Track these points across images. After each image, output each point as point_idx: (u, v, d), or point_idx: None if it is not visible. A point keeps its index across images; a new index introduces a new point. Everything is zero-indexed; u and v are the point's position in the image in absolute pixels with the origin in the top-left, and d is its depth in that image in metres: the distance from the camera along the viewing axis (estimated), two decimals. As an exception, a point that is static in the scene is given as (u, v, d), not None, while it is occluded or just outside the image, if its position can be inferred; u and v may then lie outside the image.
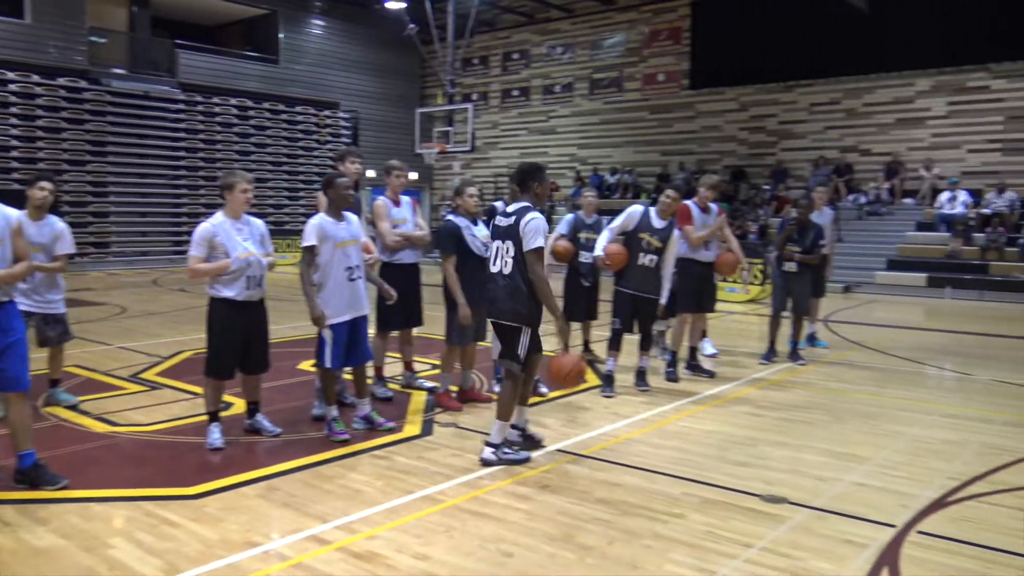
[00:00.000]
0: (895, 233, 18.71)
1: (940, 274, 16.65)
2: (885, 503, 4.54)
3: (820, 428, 6.18)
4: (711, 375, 8.02)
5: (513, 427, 5.44)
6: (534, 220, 5.09)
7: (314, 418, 6.21)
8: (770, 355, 8.91)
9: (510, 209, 5.28)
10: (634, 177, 24.30)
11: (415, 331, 7.32)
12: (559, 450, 5.51)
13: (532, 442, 5.56)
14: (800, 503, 4.54)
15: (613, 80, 25.68)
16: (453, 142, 22.43)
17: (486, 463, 5.14)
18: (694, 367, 8.11)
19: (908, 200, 19.78)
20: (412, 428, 6.03)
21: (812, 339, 9.85)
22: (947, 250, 17.29)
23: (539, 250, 5.09)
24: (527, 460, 5.21)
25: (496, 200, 7.21)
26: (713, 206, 8.01)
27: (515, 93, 28.18)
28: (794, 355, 8.84)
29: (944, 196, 18.31)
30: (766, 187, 21.28)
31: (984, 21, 18.81)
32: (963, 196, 18.02)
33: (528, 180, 5.33)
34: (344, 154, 6.56)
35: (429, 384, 7.19)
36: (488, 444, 5.22)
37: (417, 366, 7.66)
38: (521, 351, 5.22)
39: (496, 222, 5.37)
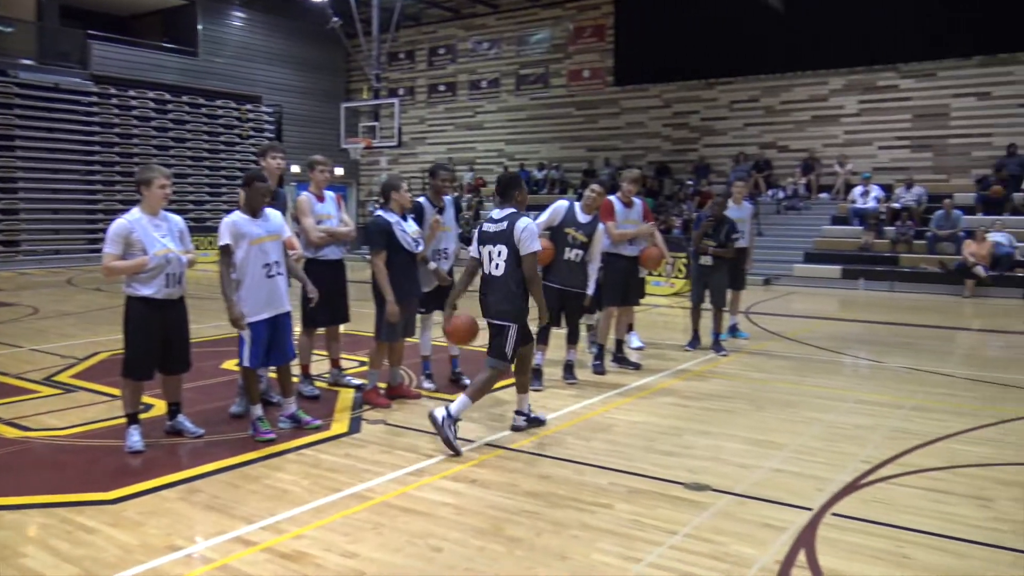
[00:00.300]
0: (812, 227, 19.35)
1: (854, 266, 17.30)
2: (802, 487, 4.71)
3: (741, 417, 6.36)
4: (637, 367, 8.17)
5: (518, 413, 5.96)
6: (529, 226, 5.60)
7: (232, 415, 6.10)
8: (694, 343, 9.23)
9: (498, 216, 5.72)
10: (561, 173, 24.50)
11: (343, 328, 7.25)
12: (488, 444, 5.54)
13: (538, 423, 6.01)
14: (723, 490, 4.66)
15: (539, 76, 25.84)
16: (379, 137, 22.24)
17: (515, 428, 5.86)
18: (620, 360, 8.25)
19: (824, 195, 20.48)
20: (340, 426, 5.97)
21: (734, 330, 10.12)
22: (860, 243, 17.97)
23: (536, 253, 5.61)
24: (459, 454, 5.33)
25: (420, 196, 7.17)
26: (637, 200, 8.15)
27: (442, 88, 28.09)
28: (716, 346, 9.08)
29: (857, 191, 19.03)
30: (689, 182, 21.73)
31: (893, 23, 19.59)
32: (875, 191, 18.76)
33: (510, 189, 5.81)
34: (267, 149, 6.44)
35: (357, 381, 7.12)
36: (516, 412, 5.93)
37: (345, 363, 7.59)
38: (508, 349, 5.67)
39: (484, 228, 5.77)
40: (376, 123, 22.50)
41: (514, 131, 26.56)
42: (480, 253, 5.78)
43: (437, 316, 7.29)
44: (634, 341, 9.27)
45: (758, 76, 21.94)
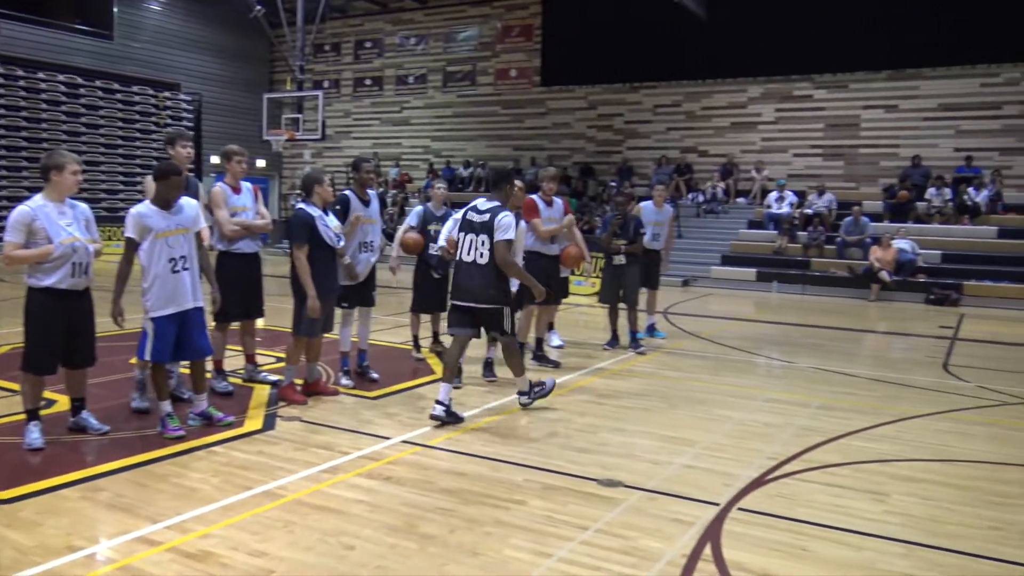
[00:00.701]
0: (729, 230, 19.88)
1: (768, 269, 17.85)
2: (710, 483, 4.84)
3: (655, 414, 6.50)
4: (556, 365, 8.26)
5: (521, 392, 6.54)
6: (507, 217, 6.04)
7: (136, 411, 5.93)
8: (613, 342, 9.41)
9: (483, 207, 6.14)
10: (487, 171, 24.51)
11: (260, 323, 7.12)
12: (404, 441, 5.52)
13: (541, 393, 6.62)
14: (634, 486, 4.76)
15: (467, 74, 25.82)
16: (303, 130, 21.88)
17: (524, 406, 6.46)
18: (540, 358, 8.32)
19: (741, 199, 21.08)
20: (253, 423, 5.85)
21: (651, 330, 10.33)
22: (774, 247, 18.56)
23: (509, 242, 6.00)
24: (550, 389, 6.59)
25: (345, 190, 7.13)
26: (557, 199, 8.24)
27: (368, 82, 27.80)
28: (634, 343, 9.25)
29: (772, 196, 19.64)
30: (613, 184, 22.05)
31: (808, 35, 20.29)
32: (789, 197, 19.39)
33: (502, 182, 6.28)
34: (175, 137, 6.20)
35: (273, 377, 7.00)
36: (520, 393, 6.49)
37: (261, 359, 7.45)
38: (508, 326, 6.24)
39: (468, 217, 6.18)
40: (300, 115, 22.12)
41: (440, 128, 26.48)
42: (460, 239, 6.17)
43: (358, 312, 7.25)
44: (554, 339, 9.37)
45: (680, 82, 22.44)
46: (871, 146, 20.36)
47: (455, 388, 7.03)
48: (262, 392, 6.73)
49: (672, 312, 13.23)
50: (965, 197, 17.94)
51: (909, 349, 11.01)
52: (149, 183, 5.64)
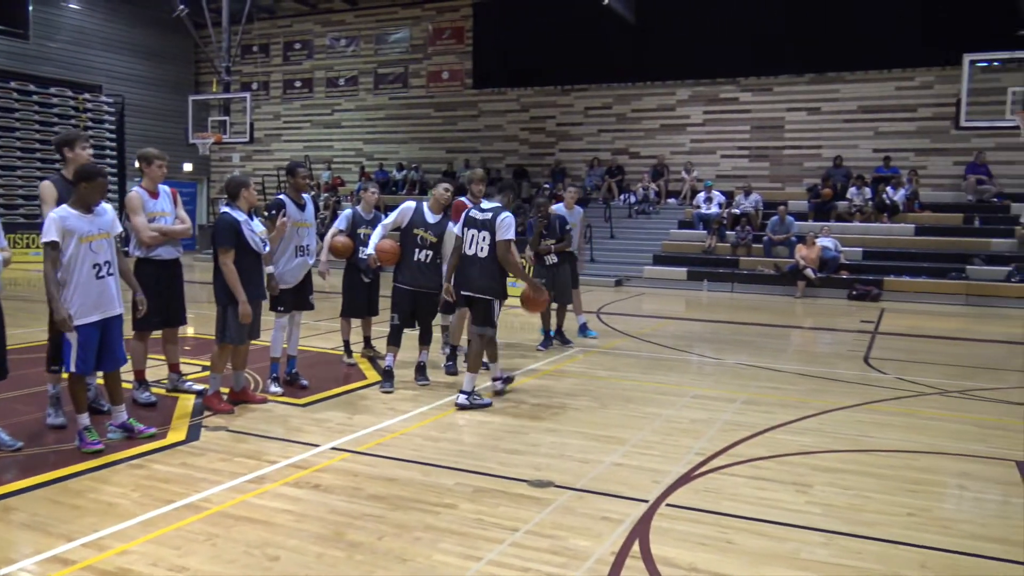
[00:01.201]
0: (660, 230, 20.18)
1: (698, 268, 18.18)
2: (639, 480, 4.90)
3: (586, 414, 6.54)
4: (487, 367, 8.22)
5: (495, 379, 7.06)
6: (508, 217, 6.62)
7: (52, 427, 5.71)
8: (547, 343, 9.53)
9: (486, 206, 6.79)
10: (420, 174, 24.41)
11: (189, 330, 6.93)
12: (334, 448, 5.44)
13: (509, 380, 7.25)
14: (565, 485, 4.78)
15: (398, 76, 25.65)
16: (230, 133, 21.41)
17: (461, 407, 6.52)
18: None
19: (672, 200, 21.43)
20: (177, 434, 5.69)
21: (583, 329, 10.41)
22: (704, 247, 18.91)
23: (510, 240, 6.57)
24: (490, 405, 6.65)
25: (279, 194, 7.04)
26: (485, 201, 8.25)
27: (298, 84, 27.37)
28: (561, 338, 9.60)
29: (701, 197, 20.03)
30: (546, 185, 22.15)
31: (733, 39, 20.75)
32: (717, 197, 19.79)
33: (506, 189, 7.02)
34: (73, 139, 5.78)
35: (198, 387, 6.82)
36: (462, 392, 6.59)
37: (185, 368, 7.26)
38: (495, 317, 6.77)
39: (471, 214, 6.79)
40: (227, 118, 21.64)
41: (373, 130, 26.24)
42: (464, 234, 6.76)
43: (289, 317, 7.12)
44: None
45: (611, 84, 22.71)
46: (795, 147, 20.93)
47: (385, 392, 7.00)
48: (187, 402, 6.56)
49: (605, 312, 13.36)
50: (884, 196, 18.58)
51: (833, 344, 11.34)
52: (47, 188, 5.45)
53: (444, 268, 7.22)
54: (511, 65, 23.71)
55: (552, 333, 9.66)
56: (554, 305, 9.40)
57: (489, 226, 6.63)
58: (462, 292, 6.83)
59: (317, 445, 5.48)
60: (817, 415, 6.61)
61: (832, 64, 20.29)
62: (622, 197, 21.75)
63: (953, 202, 18.86)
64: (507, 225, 6.58)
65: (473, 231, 6.71)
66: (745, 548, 3.94)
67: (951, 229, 17.90)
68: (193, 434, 5.71)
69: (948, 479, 5.13)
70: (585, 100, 23.19)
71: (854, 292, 16.25)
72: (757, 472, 5.10)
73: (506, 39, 23.61)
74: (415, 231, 7.10)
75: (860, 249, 17.68)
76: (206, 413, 6.21)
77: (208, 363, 6.75)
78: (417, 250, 7.10)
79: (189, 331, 7.03)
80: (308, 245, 7.04)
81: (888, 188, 18.78)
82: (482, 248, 6.65)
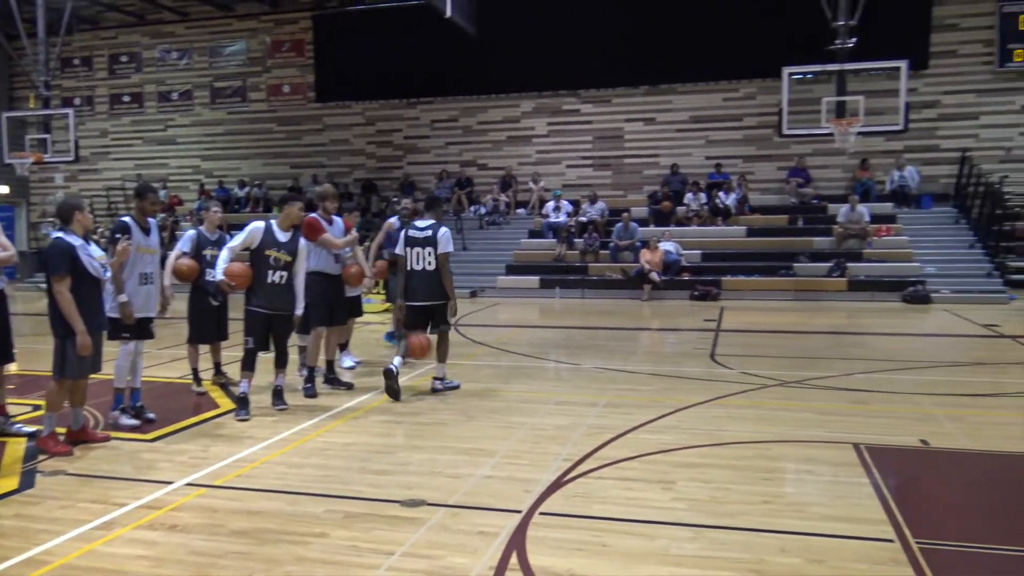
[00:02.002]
0: (511, 240, 20.48)
1: (550, 276, 18.57)
2: (511, 491, 4.92)
3: (453, 428, 6.51)
4: (350, 387, 8.06)
5: (437, 379, 7.89)
6: (446, 232, 7.60)
7: None
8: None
9: (423, 225, 7.63)
10: (264, 191, 23.61)
11: (13, 368, 6.34)
12: (189, 484, 5.13)
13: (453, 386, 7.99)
14: (437, 503, 4.73)
15: (236, 89, 24.72)
16: (52, 152, 19.92)
17: (435, 390, 7.75)
18: (332, 380, 8.09)
19: (521, 210, 21.80)
20: (7, 482, 5.19)
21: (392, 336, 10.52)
22: (554, 255, 19.34)
23: (448, 253, 7.58)
24: (459, 387, 7.90)
25: (123, 216, 6.58)
26: (337, 217, 8.10)
27: (126, 99, 25.81)
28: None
29: (549, 206, 20.49)
30: (395, 199, 21.93)
31: (573, 53, 21.43)
32: (565, 206, 20.31)
33: (435, 206, 7.91)
34: None
35: (30, 428, 6.25)
36: (435, 379, 7.83)
37: (13, 408, 6.65)
38: (451, 318, 7.77)
39: (410, 234, 7.62)
40: (47, 135, 20.14)
41: (211, 146, 25.13)
42: (407, 253, 7.58)
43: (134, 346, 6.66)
44: (346, 360, 9.20)
45: (456, 97, 22.85)
46: (635, 156, 21.82)
47: (240, 421, 6.70)
48: (17, 446, 5.99)
49: (462, 324, 13.38)
50: (717, 201, 19.69)
51: (680, 343, 11.87)
52: None
53: (297, 286, 7.01)
54: (355, 78, 23.38)
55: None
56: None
57: (431, 241, 7.50)
58: (416, 303, 7.58)
59: (170, 482, 5.15)
60: (673, 413, 6.89)
61: (665, 77, 21.33)
62: (472, 209, 21.90)
63: (778, 204, 20.24)
64: (447, 239, 7.57)
65: (417, 248, 7.54)
66: (619, 549, 4.03)
67: (778, 230, 19.19)
68: (27, 481, 5.22)
69: (797, 465, 5.47)
70: (431, 113, 23.22)
71: (696, 293, 17.09)
72: (623, 473, 5.24)
73: (348, 52, 23.26)
74: (267, 252, 6.84)
75: (699, 251, 18.64)
76: (41, 457, 5.70)
77: (40, 402, 6.20)
78: (271, 272, 6.84)
79: (12, 367, 6.43)
80: (152, 272, 6.63)
81: (720, 193, 19.92)
82: (429, 263, 7.51)
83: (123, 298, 6.24)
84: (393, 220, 10.14)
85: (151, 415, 6.74)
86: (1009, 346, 10.56)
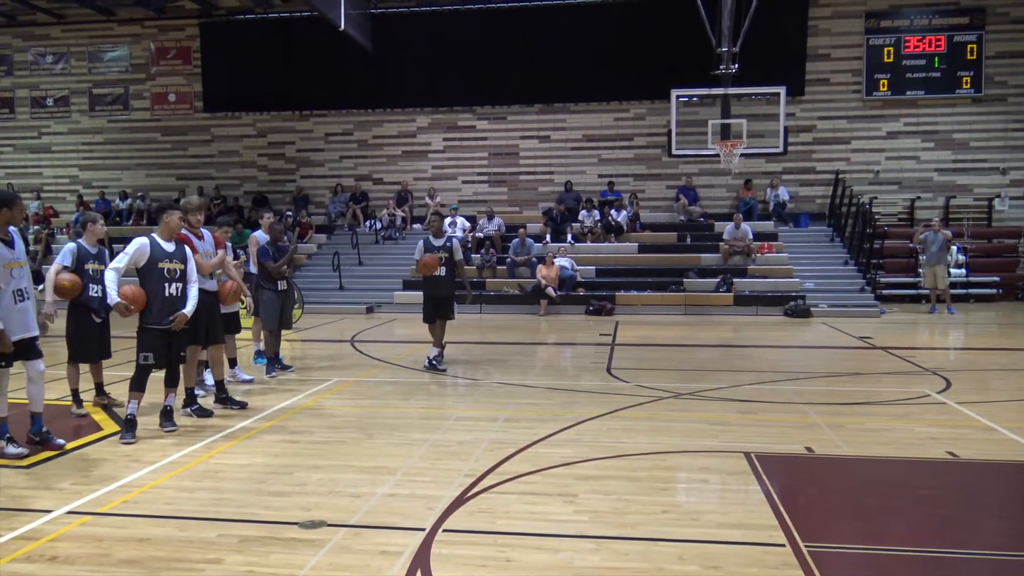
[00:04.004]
0: (408, 255, 20.21)
1: (447, 291, 18.50)
2: (413, 509, 4.87)
3: (352, 446, 6.40)
4: (243, 406, 7.78)
5: (436, 358, 10.08)
6: (457, 241, 10.19)
7: None
8: (273, 368, 9.62)
9: (438, 243, 9.95)
10: (148, 203, 22.64)
11: None
12: (71, 512, 4.84)
13: (437, 369, 10.03)
14: (338, 523, 4.63)
15: (118, 97, 23.65)
16: (-91, 158, 18.47)
17: (426, 368, 10.00)
18: (224, 400, 7.79)
19: (417, 226, 21.68)
20: None
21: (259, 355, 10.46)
22: (452, 270, 19.29)
23: (464, 258, 10.41)
24: (445, 371, 9.83)
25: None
26: (206, 231, 7.86)
27: (-5, 104, 24.25)
28: (280, 363, 9.82)
29: (446, 222, 20.44)
30: (289, 213, 21.50)
31: (467, 70, 21.61)
32: (461, 222, 20.34)
33: (437, 224, 10.12)
34: None
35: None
36: (428, 358, 10.10)
37: None
38: (454, 312, 10.29)
39: (433, 243, 9.93)
40: (-96, 141, 18.67)
41: (90, 156, 23.92)
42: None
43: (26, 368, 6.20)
44: (241, 374, 9.07)
45: (351, 110, 22.60)
46: (530, 173, 22.11)
47: (126, 444, 6.38)
48: None
49: (359, 340, 13.19)
50: (610, 218, 20.16)
51: (577, 357, 12.06)
52: None
53: (191, 295, 6.74)
54: (245, 88, 22.78)
55: (280, 357, 9.91)
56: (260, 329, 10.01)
57: (448, 251, 9.85)
58: (436, 297, 9.96)
59: (49, 511, 4.85)
60: (573, 426, 6.98)
61: (558, 96, 21.73)
62: (368, 223, 21.66)
63: (668, 222, 20.90)
64: (458, 248, 10.02)
65: (438, 255, 9.81)
66: (523, 563, 4.05)
67: (668, 246, 19.82)
68: None
69: (692, 475, 5.64)
70: (325, 126, 22.86)
71: (591, 307, 17.41)
72: (526, 487, 5.27)
73: (238, 61, 22.65)
74: (160, 265, 6.56)
75: (593, 267, 19.02)
76: (-101, 488, 5.27)
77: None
78: (167, 284, 6.56)
79: None
80: (25, 288, 6.10)
81: (612, 210, 20.41)
82: (445, 269, 9.78)
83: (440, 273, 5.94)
84: (257, 234, 10.00)
85: (60, 441, 6.28)
86: (882, 357, 11.23)
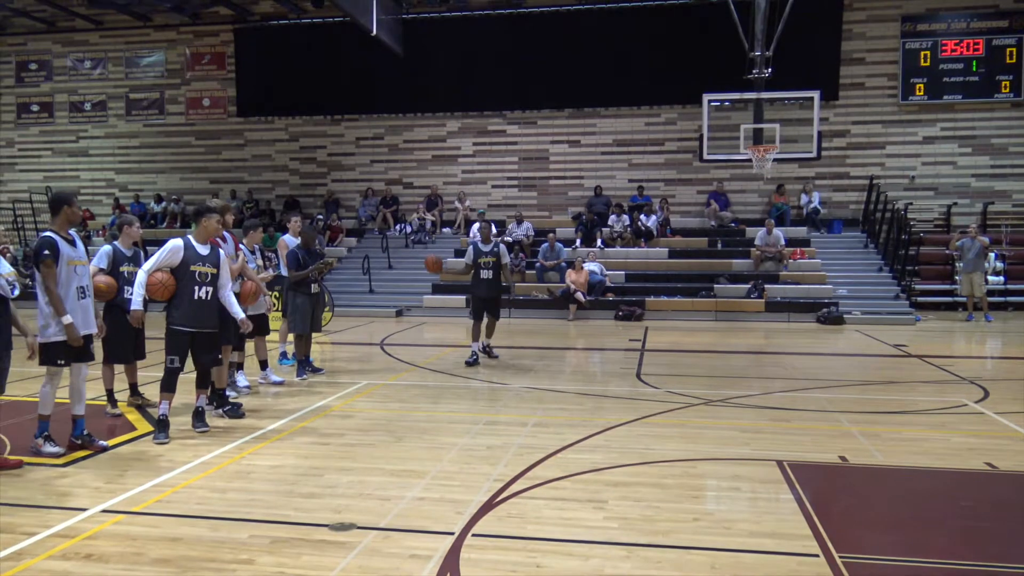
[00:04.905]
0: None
1: (476, 296, 18.52)
2: (443, 513, 4.86)
3: (382, 449, 6.41)
4: (239, 415, 7.73)
5: (486, 349, 11.25)
6: (504, 247, 10.95)
7: None
8: (303, 370, 9.68)
9: (486, 248, 10.84)
10: (182, 206, 22.96)
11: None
12: (105, 511, 4.90)
13: (491, 356, 11.25)
14: (368, 526, 4.64)
15: (154, 101, 24.02)
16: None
17: (468, 364, 10.68)
18: (222, 406, 7.73)
19: (447, 230, 21.77)
20: (-97, 512, 4.86)
21: (286, 356, 10.57)
22: (481, 274, 19.32)
23: (508, 262, 11.04)
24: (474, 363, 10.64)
25: (47, 231, 6.17)
26: (227, 234, 7.93)
27: (35, 108, 24.77)
28: (312, 367, 9.86)
29: (475, 227, 20.48)
30: (319, 217, 21.68)
31: (497, 75, 21.67)
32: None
33: (487, 231, 11.14)
34: None
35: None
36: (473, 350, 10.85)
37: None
38: (499, 313, 11.24)
39: (481, 248, 10.88)
40: (-53, 145, 19.12)
41: (126, 159, 24.32)
42: (478, 264, 10.76)
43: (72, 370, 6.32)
44: (273, 376, 9.23)
45: (382, 115, 22.74)
46: (560, 177, 22.08)
47: (159, 444, 6.45)
48: (-87, 473, 5.63)
49: (388, 343, 13.24)
50: (640, 223, 20.07)
51: (606, 363, 12.01)
52: None
53: (225, 298, 6.81)
54: (278, 94, 23.04)
55: (311, 360, 9.96)
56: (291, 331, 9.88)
57: (496, 256, 10.77)
58: (487, 298, 10.87)
59: (85, 509, 4.91)
60: (602, 432, 6.94)
61: (588, 100, 21.70)
62: (398, 227, 21.76)
63: (699, 227, 20.75)
64: (505, 252, 10.92)
65: (485, 259, 10.74)
66: (554, 570, 4.03)
67: (699, 252, 19.68)
68: (-75, 511, 4.90)
69: (723, 482, 5.58)
70: (356, 130, 23.03)
71: (620, 313, 17.33)
72: (555, 493, 5.24)
73: (271, 67, 22.92)
74: (192, 268, 6.62)
75: (623, 272, 18.94)
76: (-60, 484, 5.37)
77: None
78: (197, 288, 6.63)
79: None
80: (87, 286, 6.29)
81: (642, 215, 20.31)
82: (493, 272, 10.77)
83: (67, 319, 5.93)
84: (286, 238, 10.06)
85: (102, 443, 6.37)
86: (917, 365, 11.05)
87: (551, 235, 19.31)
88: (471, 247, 11.04)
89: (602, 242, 19.99)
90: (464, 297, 18.44)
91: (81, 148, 24.55)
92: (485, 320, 11.00)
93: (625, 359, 11.74)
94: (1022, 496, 5.50)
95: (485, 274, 10.82)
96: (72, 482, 5.52)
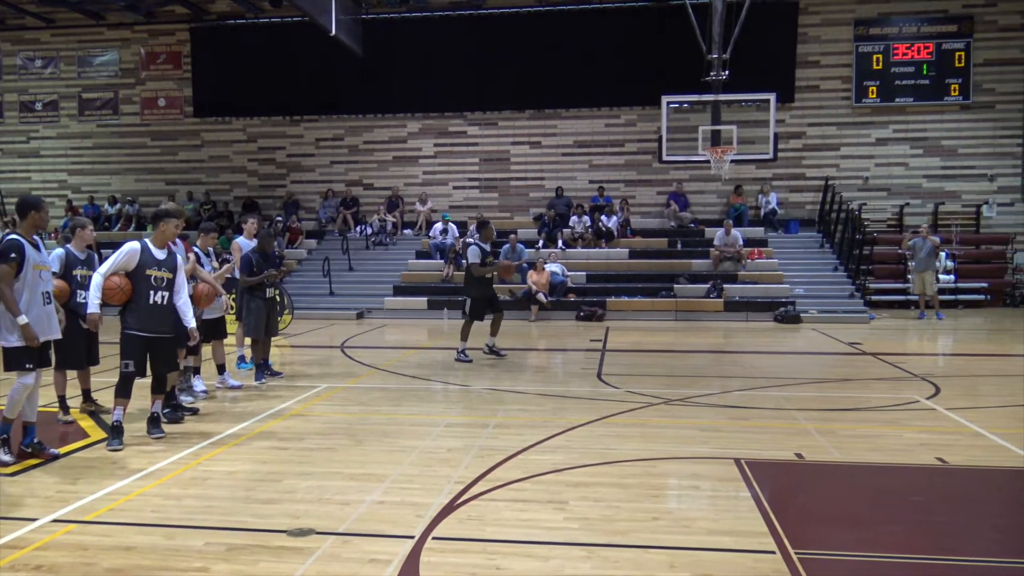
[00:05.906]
0: (399, 261, 20.32)
1: (437, 297, 18.48)
2: (403, 516, 4.83)
3: (342, 453, 6.36)
4: (193, 412, 7.68)
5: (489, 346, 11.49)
6: (473, 248, 10.95)
7: None
8: (262, 374, 9.55)
9: (488, 246, 11.17)
10: (137, 208, 22.55)
11: None
12: (56, 520, 4.79)
13: (499, 355, 11.33)
14: (327, 531, 4.59)
15: (107, 101, 23.56)
16: None
17: (457, 360, 10.85)
18: (173, 407, 7.62)
19: (408, 231, 21.68)
20: None
21: (242, 361, 10.46)
22: (442, 275, 19.30)
23: (474, 262, 10.83)
24: (471, 361, 10.86)
25: (12, 233, 6.04)
26: (177, 239, 7.77)
27: (-18, 108, 24.12)
28: (271, 372, 9.74)
29: (437, 228, 20.46)
30: (279, 218, 21.43)
31: (458, 75, 21.65)
32: (452, 230, 20.33)
33: (483, 228, 11.25)
34: None
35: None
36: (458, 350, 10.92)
37: None
38: (467, 310, 11.09)
39: (485, 248, 10.97)
40: None
41: (79, 160, 23.81)
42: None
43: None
44: (230, 380, 9.08)
45: (342, 116, 22.57)
46: (521, 178, 22.12)
47: (112, 451, 6.32)
48: None
49: (349, 346, 13.14)
50: (600, 224, 20.19)
51: (567, 363, 12.05)
52: None
53: (179, 306, 6.69)
54: (235, 93, 22.74)
55: (270, 363, 9.88)
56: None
57: (488, 253, 10.98)
58: (489, 295, 11.23)
59: (35, 519, 4.79)
60: (563, 433, 6.96)
61: (549, 101, 21.78)
62: (358, 229, 21.62)
63: (659, 228, 20.94)
64: (472, 253, 10.88)
65: (489, 258, 11.01)
66: (513, 571, 4.03)
67: (659, 252, 19.85)
68: None
69: (683, 481, 5.63)
70: (316, 131, 22.83)
71: (581, 313, 17.40)
72: (516, 494, 5.24)
73: (229, 66, 22.62)
74: (148, 272, 6.50)
75: (584, 273, 19.03)
76: None
77: None
78: (152, 292, 6.51)
79: None
80: (50, 291, 6.18)
81: (603, 216, 20.43)
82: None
83: (23, 319, 5.78)
84: (240, 240, 9.96)
85: (54, 451, 6.21)
86: (871, 362, 11.26)
87: (512, 236, 19.31)
88: (475, 247, 11.00)
89: (563, 243, 20.06)
90: (425, 299, 18.45)
91: (32, 149, 23.98)
92: (491, 318, 11.26)
93: (586, 359, 11.80)
94: (972, 490, 5.64)
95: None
96: (22, 491, 5.38)
